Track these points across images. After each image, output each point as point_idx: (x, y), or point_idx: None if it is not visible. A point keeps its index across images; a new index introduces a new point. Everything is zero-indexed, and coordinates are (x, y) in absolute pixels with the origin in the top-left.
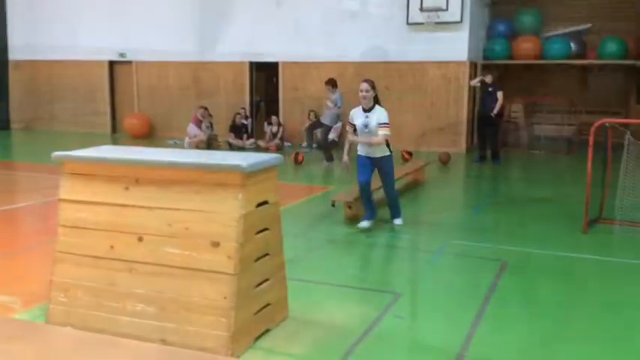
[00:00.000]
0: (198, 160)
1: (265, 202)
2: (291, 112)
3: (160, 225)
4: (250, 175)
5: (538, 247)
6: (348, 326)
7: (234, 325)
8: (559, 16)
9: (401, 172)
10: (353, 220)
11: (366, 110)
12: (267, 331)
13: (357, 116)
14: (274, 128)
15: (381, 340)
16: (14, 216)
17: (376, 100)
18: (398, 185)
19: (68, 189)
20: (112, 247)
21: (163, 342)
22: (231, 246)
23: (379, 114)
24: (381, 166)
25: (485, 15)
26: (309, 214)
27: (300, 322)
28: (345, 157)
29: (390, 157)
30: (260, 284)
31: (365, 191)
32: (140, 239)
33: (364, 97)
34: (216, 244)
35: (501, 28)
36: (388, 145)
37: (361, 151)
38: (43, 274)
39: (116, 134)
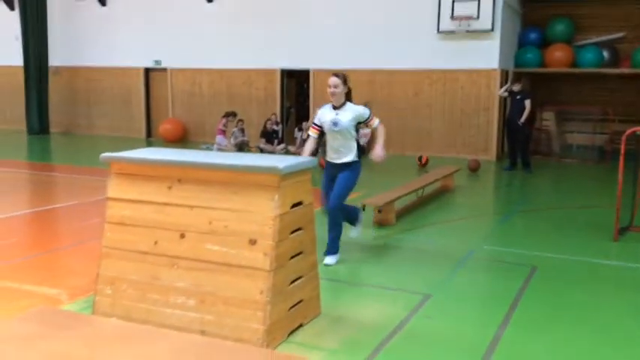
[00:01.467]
0: (236, 162)
1: (300, 203)
2: None
3: (201, 223)
4: (286, 176)
5: (568, 254)
6: (377, 324)
7: (270, 319)
8: (592, 25)
9: (429, 179)
10: (382, 223)
11: (337, 108)
12: (300, 326)
13: (325, 114)
14: (305, 134)
15: (410, 338)
16: (56, 215)
17: (348, 97)
18: (427, 191)
19: (115, 188)
20: (155, 243)
21: (203, 333)
22: (267, 244)
23: (354, 111)
24: (342, 172)
25: (516, 23)
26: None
27: (331, 319)
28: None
29: (357, 164)
30: (294, 281)
31: (335, 216)
32: (182, 236)
33: (333, 94)
34: (253, 242)
35: (533, 36)
36: (361, 149)
37: (329, 155)
38: (86, 269)
39: (151, 139)
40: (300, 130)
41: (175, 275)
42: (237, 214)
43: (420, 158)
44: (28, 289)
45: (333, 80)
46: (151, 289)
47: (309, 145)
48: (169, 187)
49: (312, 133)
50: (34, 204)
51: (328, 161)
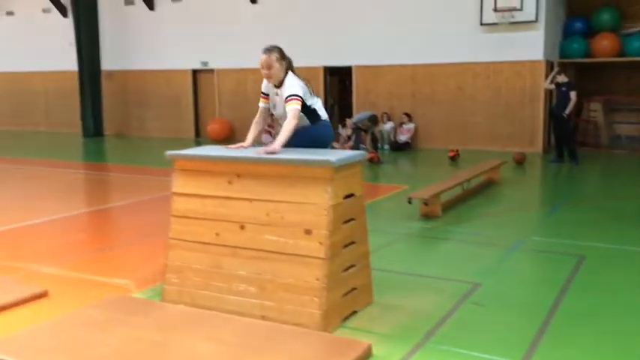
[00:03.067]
0: (291, 157)
1: (352, 195)
2: None
3: (259, 215)
4: (338, 169)
5: (616, 244)
6: (428, 312)
7: (326, 305)
8: (638, 13)
9: (475, 172)
10: (428, 216)
11: (277, 86)
12: (354, 313)
13: (267, 88)
14: (348, 131)
15: (461, 324)
16: (117, 212)
17: (289, 69)
18: (473, 184)
19: (179, 184)
20: (217, 234)
21: (263, 318)
22: (322, 233)
23: (287, 84)
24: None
25: (560, 13)
26: (386, 211)
27: (383, 307)
28: (247, 141)
29: (310, 127)
30: (347, 269)
31: None
32: (242, 227)
33: (268, 77)
34: (308, 232)
35: (578, 25)
36: (312, 114)
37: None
38: (149, 261)
39: (199, 138)
40: (344, 126)
41: (237, 264)
42: (293, 206)
43: (456, 151)
44: (99, 280)
45: (263, 59)
46: (214, 278)
47: (259, 118)
48: (229, 182)
49: (261, 102)
50: (95, 202)
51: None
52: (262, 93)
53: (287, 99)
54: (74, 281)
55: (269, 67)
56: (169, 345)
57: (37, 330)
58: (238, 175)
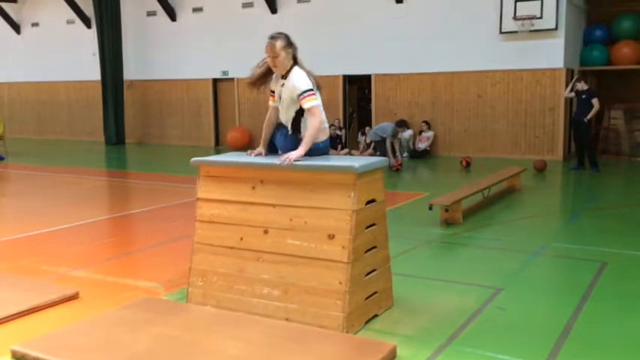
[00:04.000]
0: (315, 163)
1: (373, 200)
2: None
3: (283, 220)
4: (361, 175)
5: (638, 250)
6: (450, 315)
7: (349, 307)
8: None
9: (495, 179)
10: (449, 222)
11: (283, 77)
12: (375, 316)
13: (274, 82)
14: (367, 138)
15: (484, 327)
16: (142, 218)
17: (295, 61)
18: (493, 191)
19: (204, 189)
20: (241, 238)
21: (287, 320)
22: (345, 238)
23: (293, 81)
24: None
25: (581, 21)
26: (406, 218)
27: (404, 310)
28: (262, 145)
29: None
30: (369, 273)
31: None
32: (266, 232)
33: (274, 65)
34: (331, 237)
35: (599, 33)
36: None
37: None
38: (175, 265)
39: (219, 147)
40: (363, 134)
41: (260, 268)
42: (316, 211)
43: (462, 161)
44: (127, 283)
45: (270, 46)
46: (238, 281)
47: (270, 118)
48: (253, 188)
49: (271, 101)
50: (120, 208)
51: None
52: (271, 91)
53: (301, 96)
54: (103, 284)
55: (275, 54)
56: (199, 344)
57: (71, 329)
58: (262, 181)
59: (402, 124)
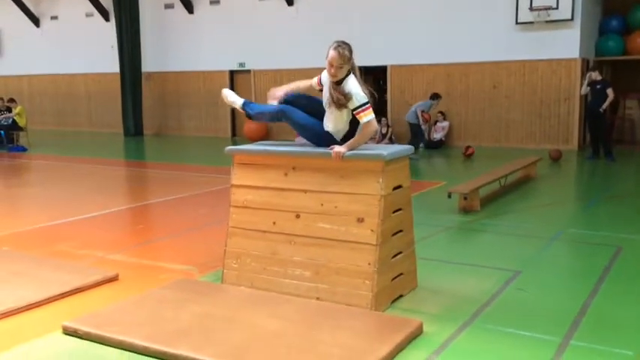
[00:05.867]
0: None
1: (400, 186)
2: (399, 114)
3: (314, 204)
4: (389, 162)
5: None
6: (472, 295)
7: (377, 287)
8: None
9: (512, 168)
10: (467, 210)
11: (337, 82)
12: (400, 296)
13: (326, 84)
14: (384, 129)
15: (505, 307)
16: (171, 205)
17: (351, 70)
18: (510, 180)
19: (238, 176)
20: (274, 223)
21: (318, 299)
22: (373, 222)
23: (346, 88)
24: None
25: (596, 11)
26: (426, 205)
27: (428, 291)
28: (280, 92)
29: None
30: (395, 255)
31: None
32: (297, 216)
33: (334, 75)
34: (361, 220)
35: (614, 23)
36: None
37: (329, 127)
38: (208, 249)
39: (235, 137)
40: (379, 125)
41: (292, 250)
42: (346, 196)
43: (470, 147)
44: (164, 266)
45: (336, 57)
46: (271, 263)
47: (306, 86)
48: (285, 174)
49: (314, 82)
50: (147, 197)
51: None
52: (320, 81)
53: (359, 109)
54: (140, 267)
55: (340, 64)
56: (237, 320)
57: (116, 307)
58: (294, 168)
59: (436, 97)
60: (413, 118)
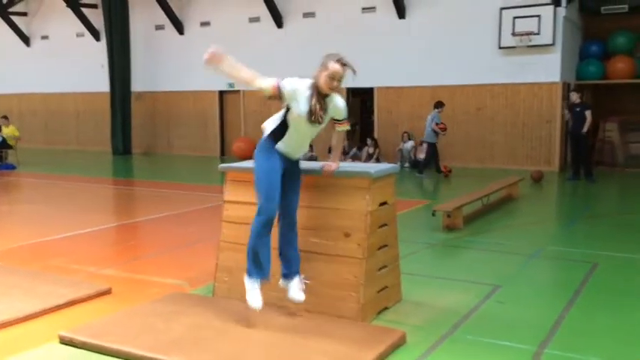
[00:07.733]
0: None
1: (385, 203)
2: (385, 134)
3: (303, 219)
4: (375, 180)
5: (628, 253)
6: (454, 308)
7: (363, 299)
8: None
9: (494, 187)
10: (451, 228)
11: (322, 96)
12: (386, 308)
13: (302, 95)
14: (371, 149)
15: (484, 319)
16: (159, 223)
17: None
18: (492, 199)
19: (230, 193)
20: None
21: (307, 311)
22: (360, 236)
23: (336, 103)
24: (295, 172)
25: (577, 37)
26: (410, 223)
27: (412, 304)
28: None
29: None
30: (381, 269)
31: (268, 227)
32: None
33: (333, 89)
34: (348, 235)
35: (594, 48)
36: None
37: (286, 145)
38: (198, 264)
39: (224, 157)
40: (367, 145)
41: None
42: (334, 212)
43: (447, 168)
44: (155, 280)
45: (340, 73)
46: None
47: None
48: None
49: (272, 82)
50: (136, 214)
51: (280, 151)
52: (279, 88)
53: (343, 121)
54: (132, 281)
55: (341, 80)
56: (229, 330)
57: (111, 318)
58: None
59: (440, 105)
60: (432, 137)
